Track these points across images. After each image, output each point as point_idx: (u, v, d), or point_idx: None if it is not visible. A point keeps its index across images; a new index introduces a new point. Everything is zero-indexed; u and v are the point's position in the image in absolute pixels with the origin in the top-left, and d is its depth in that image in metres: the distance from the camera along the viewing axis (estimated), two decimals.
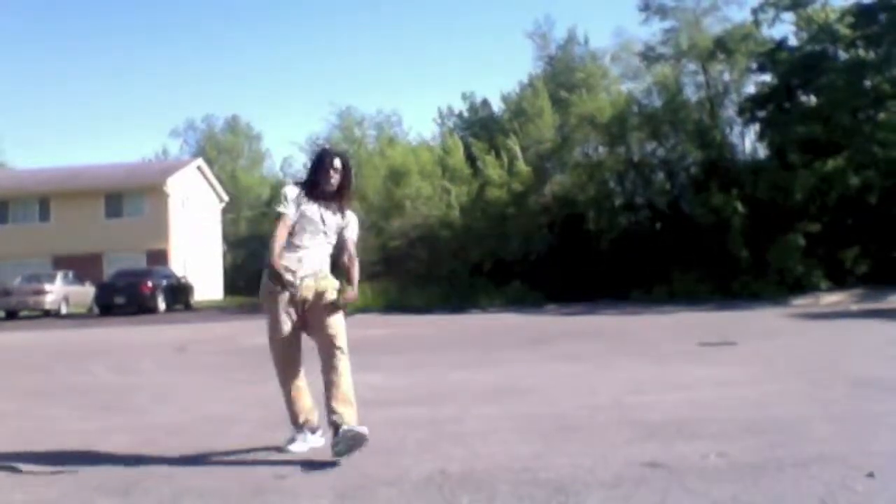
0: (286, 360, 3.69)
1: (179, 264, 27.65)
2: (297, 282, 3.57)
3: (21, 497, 3.04)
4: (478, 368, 6.95)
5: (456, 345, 9.65)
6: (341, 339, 3.61)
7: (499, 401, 4.98)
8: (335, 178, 3.70)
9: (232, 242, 40.06)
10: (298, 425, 3.70)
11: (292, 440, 3.70)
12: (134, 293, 20.04)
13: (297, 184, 3.78)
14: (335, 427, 3.43)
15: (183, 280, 23.32)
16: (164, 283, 21.42)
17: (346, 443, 3.36)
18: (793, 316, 12.50)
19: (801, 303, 15.52)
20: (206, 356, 9.18)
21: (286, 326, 3.62)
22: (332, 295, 3.62)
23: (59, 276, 22.29)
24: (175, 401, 5.57)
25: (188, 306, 22.66)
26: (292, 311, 3.62)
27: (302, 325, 3.67)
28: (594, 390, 5.31)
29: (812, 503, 2.64)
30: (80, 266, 25.16)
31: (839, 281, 17.85)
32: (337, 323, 3.63)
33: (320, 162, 3.74)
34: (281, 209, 3.62)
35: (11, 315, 20.73)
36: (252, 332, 12.63)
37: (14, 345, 12.22)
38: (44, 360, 9.24)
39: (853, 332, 9.70)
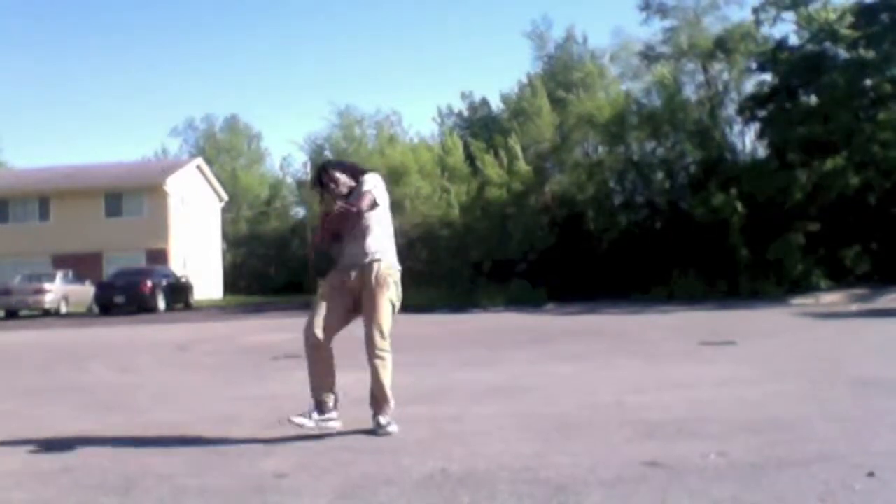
0: (314, 328, 3.93)
1: (179, 264, 27.65)
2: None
3: (20, 496, 3.03)
4: (478, 368, 6.94)
5: (456, 344, 9.64)
6: (378, 337, 3.92)
7: (499, 400, 4.98)
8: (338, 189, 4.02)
9: (232, 242, 40.05)
10: (314, 400, 3.95)
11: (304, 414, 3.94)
12: (133, 292, 20.04)
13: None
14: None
15: (183, 279, 23.32)
16: (164, 282, 21.42)
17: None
18: (793, 315, 12.50)
19: (801, 302, 15.51)
20: (205, 356, 9.17)
21: (323, 308, 3.94)
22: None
23: (59, 275, 22.30)
24: (175, 400, 5.57)
25: (188, 305, 22.67)
26: (338, 296, 3.97)
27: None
28: (594, 390, 5.30)
29: (812, 502, 2.64)
30: (80, 265, 25.17)
31: (839, 280, 17.86)
32: (373, 319, 3.93)
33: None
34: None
35: (11, 314, 20.75)
36: (252, 331, 12.65)
37: (14, 344, 12.22)
38: (44, 360, 9.24)
39: (853, 332, 9.69)
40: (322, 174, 4.04)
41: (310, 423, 3.86)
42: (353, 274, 3.97)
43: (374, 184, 4.00)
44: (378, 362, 3.90)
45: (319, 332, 3.91)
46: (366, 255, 3.96)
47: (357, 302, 4.00)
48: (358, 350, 3.99)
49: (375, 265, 3.96)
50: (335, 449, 3.63)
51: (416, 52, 73.58)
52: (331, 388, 3.96)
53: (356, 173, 4.07)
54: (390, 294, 3.98)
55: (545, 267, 19.77)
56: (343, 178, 4.01)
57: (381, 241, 4.01)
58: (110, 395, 5.93)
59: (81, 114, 77.24)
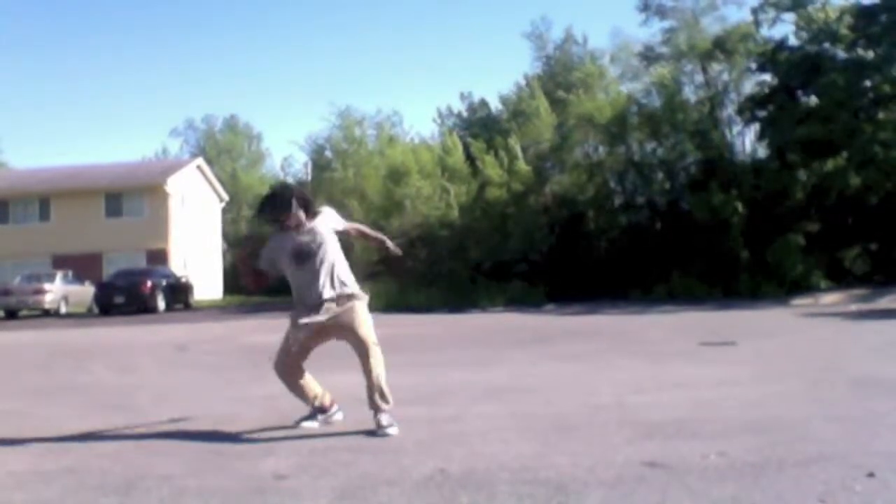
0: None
1: (179, 264, 27.64)
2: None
3: (21, 496, 3.03)
4: (478, 368, 6.95)
5: (456, 344, 9.65)
6: (368, 337, 4.08)
7: (499, 400, 4.98)
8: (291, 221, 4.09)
9: (232, 242, 39.97)
10: (312, 408, 4.23)
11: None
12: (134, 293, 20.01)
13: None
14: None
15: (183, 279, 23.30)
16: (164, 282, 21.40)
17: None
18: (792, 315, 12.51)
19: (801, 302, 15.52)
20: (205, 356, 9.18)
21: (290, 340, 4.18)
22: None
23: (59, 275, 22.27)
24: (175, 400, 5.57)
25: (188, 306, 22.65)
26: (305, 328, 4.12)
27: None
28: (594, 390, 5.31)
29: (812, 502, 2.64)
30: (80, 265, 25.14)
31: (839, 281, 17.87)
32: (360, 328, 4.10)
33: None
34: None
35: (11, 314, 20.72)
36: (252, 331, 12.64)
37: (14, 344, 12.22)
38: (44, 360, 9.24)
39: (853, 332, 9.70)
40: (278, 201, 4.10)
41: (317, 425, 4.16)
42: (329, 308, 4.05)
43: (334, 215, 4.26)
44: (372, 360, 3.99)
45: (290, 364, 4.15)
46: (337, 288, 4.08)
47: (329, 328, 4.10)
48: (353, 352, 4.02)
49: (350, 297, 4.11)
50: (335, 449, 3.64)
51: (416, 52, 73.55)
52: (322, 392, 4.23)
53: (308, 204, 4.14)
54: (365, 309, 4.18)
55: (545, 267, 19.77)
56: (298, 212, 4.09)
57: (347, 272, 4.19)
58: (110, 395, 5.93)
59: (81, 114, 77.12)
